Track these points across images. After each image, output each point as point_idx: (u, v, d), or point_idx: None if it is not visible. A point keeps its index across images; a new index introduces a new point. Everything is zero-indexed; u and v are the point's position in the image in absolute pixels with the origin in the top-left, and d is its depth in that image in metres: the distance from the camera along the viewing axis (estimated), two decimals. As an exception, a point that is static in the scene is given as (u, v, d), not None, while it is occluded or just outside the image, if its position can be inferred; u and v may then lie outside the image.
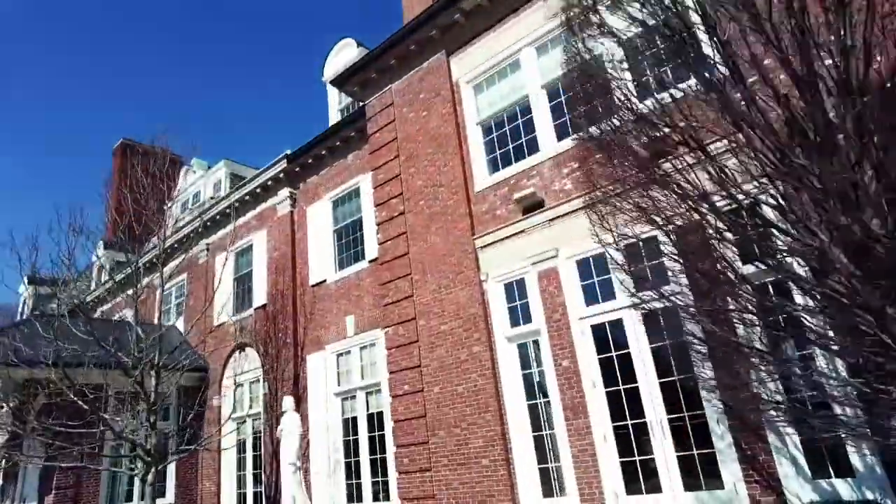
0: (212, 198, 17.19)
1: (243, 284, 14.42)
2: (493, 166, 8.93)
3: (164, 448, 12.66)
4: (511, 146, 8.81)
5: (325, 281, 12.20)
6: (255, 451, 12.86)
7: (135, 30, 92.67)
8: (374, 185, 10.32)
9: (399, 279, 9.32)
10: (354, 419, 10.92)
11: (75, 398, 9.55)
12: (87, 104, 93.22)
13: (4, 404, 12.13)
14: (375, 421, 10.54)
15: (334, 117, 14.00)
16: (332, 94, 14.24)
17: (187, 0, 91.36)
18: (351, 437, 10.90)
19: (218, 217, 15.12)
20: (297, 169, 13.40)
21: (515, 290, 8.12)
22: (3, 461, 14.61)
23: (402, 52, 10.16)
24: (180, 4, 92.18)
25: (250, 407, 13.21)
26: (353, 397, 11.06)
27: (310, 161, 13.14)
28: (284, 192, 13.61)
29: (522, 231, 8.06)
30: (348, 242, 12.22)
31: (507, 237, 8.23)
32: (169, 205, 20.02)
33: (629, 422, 6.75)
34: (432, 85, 9.84)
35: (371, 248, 11.35)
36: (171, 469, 13.40)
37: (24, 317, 23.75)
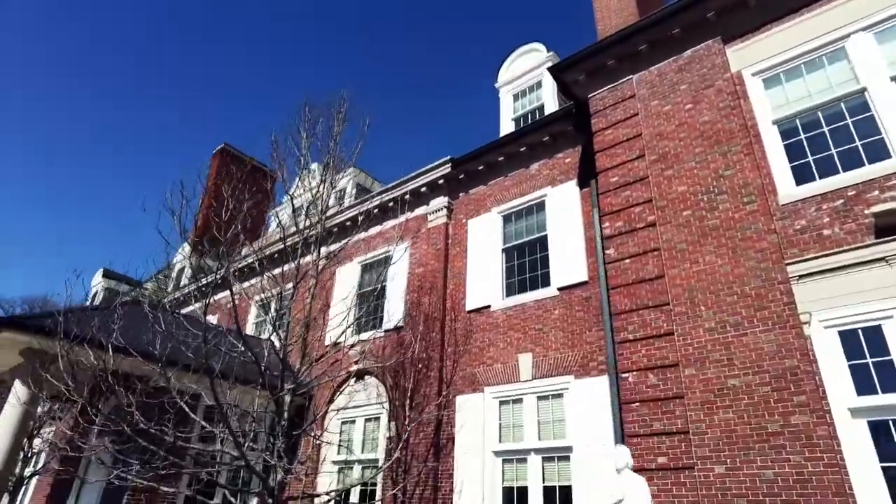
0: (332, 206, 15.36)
1: (370, 302, 12.22)
2: (804, 174, 6.66)
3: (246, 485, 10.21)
4: (835, 150, 6.55)
5: (487, 307, 9.88)
6: (363, 509, 10.18)
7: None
8: (601, 189, 8.14)
9: (646, 310, 6.93)
10: (523, 491, 8.25)
11: (182, 404, 7.31)
12: (240, 103, 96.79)
13: (76, 397, 9.90)
14: (557, 499, 7.86)
15: (506, 127, 12.13)
16: (506, 101, 12.47)
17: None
18: (516, 515, 8.22)
19: (348, 224, 13.15)
20: (461, 176, 11.43)
21: (864, 341, 5.61)
22: (52, 465, 12.28)
23: (660, 36, 8.25)
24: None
25: (362, 450, 10.63)
26: (523, 461, 8.44)
27: (479, 168, 11.18)
28: (440, 200, 11.61)
29: (881, 259, 5.65)
30: (523, 264, 9.97)
31: (846, 265, 5.82)
32: (276, 210, 18.46)
33: None
34: (700, 75, 7.81)
35: (562, 273, 9.07)
36: (250, 514, 10.79)
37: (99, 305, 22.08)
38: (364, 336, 11.46)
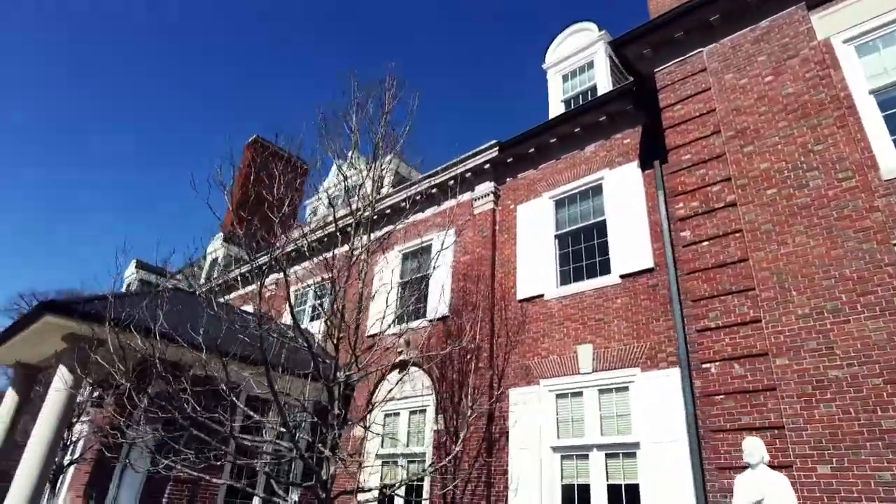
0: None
1: (412, 291, 11.82)
2: (908, 148, 6.06)
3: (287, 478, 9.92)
4: (945, 122, 5.96)
5: (540, 296, 9.42)
6: (409, 504, 9.82)
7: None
8: (671, 168, 7.61)
9: (728, 296, 6.40)
10: (584, 489, 7.78)
11: (231, 394, 7.01)
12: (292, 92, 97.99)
13: (124, 381, 9.68)
14: (623, 497, 7.38)
15: (556, 108, 11.62)
16: (554, 82, 11.96)
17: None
18: (577, 514, 7.76)
19: (388, 212, 12.77)
20: (509, 160, 10.96)
21: None
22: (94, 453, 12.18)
23: (733, 5, 7.69)
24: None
25: (407, 444, 10.26)
26: (584, 457, 7.97)
27: (529, 151, 10.70)
28: (486, 186, 11.16)
29: None
30: (578, 251, 9.48)
31: (967, 246, 5.24)
32: (312, 199, 18.19)
33: None
34: (781, 45, 7.24)
35: (624, 260, 8.57)
36: (293, 506, 10.50)
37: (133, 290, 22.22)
38: (412, 325, 11.06)
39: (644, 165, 9.03)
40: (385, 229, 9.84)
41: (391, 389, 9.04)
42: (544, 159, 10.57)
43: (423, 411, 10.28)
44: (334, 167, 17.37)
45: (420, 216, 12.28)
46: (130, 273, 22.72)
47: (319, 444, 6.87)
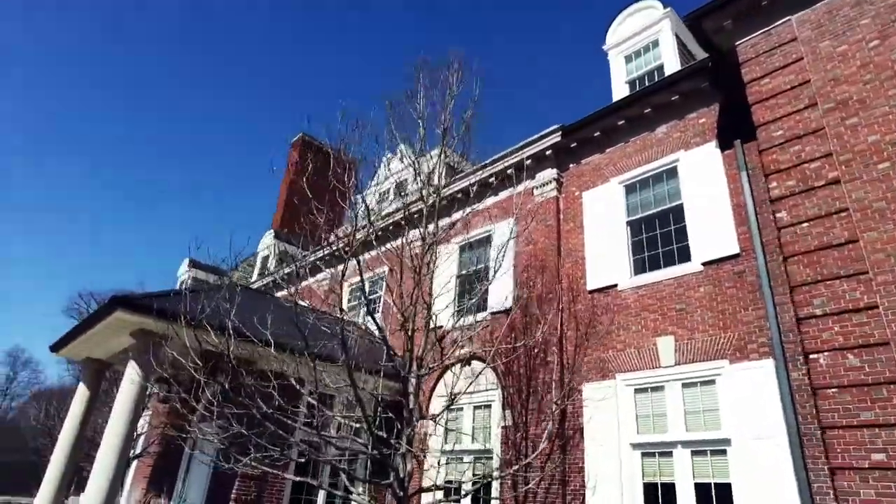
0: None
1: (471, 284, 11.55)
2: None
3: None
4: None
5: (613, 287, 9.00)
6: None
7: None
8: (762, 146, 7.08)
9: (836, 280, 5.88)
10: (669, 488, 7.36)
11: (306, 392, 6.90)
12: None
13: (199, 376, 9.68)
14: (714, 497, 6.93)
15: (619, 91, 11.13)
16: (617, 63, 11.46)
17: None
18: (662, 515, 7.34)
19: (444, 203, 12.48)
20: (573, 145, 10.55)
21: None
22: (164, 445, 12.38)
23: (829, -36, 7.11)
24: None
25: (473, 440, 9.99)
26: (667, 455, 7.54)
27: (595, 135, 10.26)
28: (548, 173, 10.77)
29: None
30: (653, 238, 9.01)
31: None
32: (363, 195, 18.11)
33: None
34: (888, 6, 6.63)
35: (706, 246, 8.07)
36: (357, 503, 10.37)
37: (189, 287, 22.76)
38: (472, 319, 10.78)
39: (723, 145, 8.49)
40: (447, 219, 9.59)
41: (454, 384, 8.79)
42: (611, 143, 10.11)
43: (489, 407, 9.99)
44: (384, 161, 17.22)
45: (477, 206, 11.96)
46: (184, 272, 23.18)
47: (395, 440, 6.67)
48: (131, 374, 8.66)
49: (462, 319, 10.45)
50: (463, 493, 8.00)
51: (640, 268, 8.92)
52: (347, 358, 6.22)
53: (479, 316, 10.48)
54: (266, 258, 21.29)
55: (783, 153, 6.79)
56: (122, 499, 13.65)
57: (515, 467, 7.65)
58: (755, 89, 7.41)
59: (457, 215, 9.51)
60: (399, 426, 6.78)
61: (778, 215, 6.59)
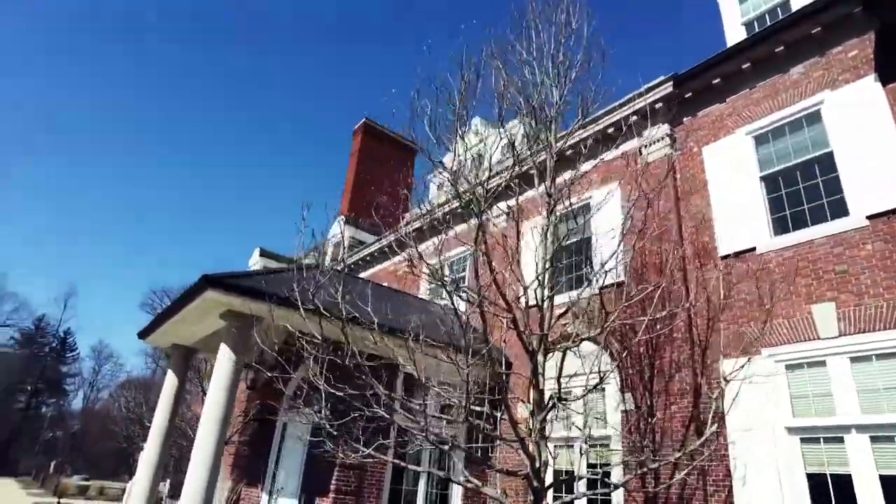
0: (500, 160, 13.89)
1: (570, 256, 10.64)
2: None
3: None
4: None
5: (751, 250, 7.87)
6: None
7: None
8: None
9: None
10: (842, 480, 6.25)
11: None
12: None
13: (307, 354, 9.12)
14: (908, 492, 5.79)
15: (734, 35, 9.85)
16: (728, 4, 10.17)
17: None
18: (838, 511, 6.25)
19: (533, 172, 11.54)
20: (688, 95, 9.39)
21: None
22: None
23: None
24: None
25: (586, 425, 9.07)
26: (836, 441, 6.41)
27: (714, 82, 9.07)
28: (660, 129, 9.65)
29: None
30: (795, 193, 7.81)
31: None
32: (431, 175, 17.41)
33: None
34: None
35: (869, 197, 6.85)
36: (457, 496, 9.70)
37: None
38: (575, 294, 9.84)
39: (885, 79, 7.19)
40: (541, 187, 8.67)
41: (561, 366, 7.92)
42: (733, 90, 8.90)
43: (602, 389, 9.05)
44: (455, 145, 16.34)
45: (572, 174, 10.95)
46: (255, 262, 23.18)
47: (524, 428, 5.90)
48: (224, 357, 8.23)
49: (563, 295, 9.55)
50: (601, 483, 7.15)
51: (781, 227, 7.75)
52: (465, 340, 5.49)
53: (587, 292, 9.52)
54: (337, 244, 20.95)
55: None
56: (212, 487, 13.52)
57: (652, 461, 6.71)
58: (943, 1, 6.13)
59: (563, 177, 8.57)
60: (535, 411, 6.00)
61: None
